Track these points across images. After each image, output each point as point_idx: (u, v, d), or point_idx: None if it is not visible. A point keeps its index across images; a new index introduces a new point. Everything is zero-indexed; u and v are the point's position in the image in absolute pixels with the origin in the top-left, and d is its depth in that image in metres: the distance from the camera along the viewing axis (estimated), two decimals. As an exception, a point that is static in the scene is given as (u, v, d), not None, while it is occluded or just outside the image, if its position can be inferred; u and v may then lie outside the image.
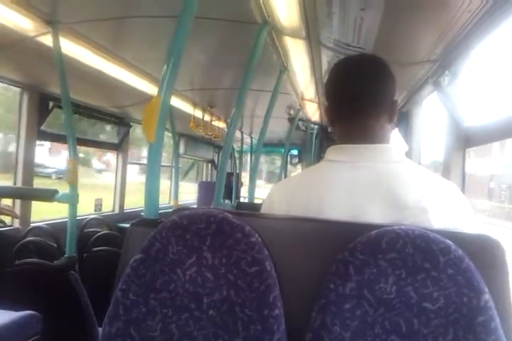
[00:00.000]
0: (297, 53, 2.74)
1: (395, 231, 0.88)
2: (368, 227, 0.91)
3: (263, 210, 1.17)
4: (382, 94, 1.10)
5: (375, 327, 0.85)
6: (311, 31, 2.22)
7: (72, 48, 2.64)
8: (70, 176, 2.57)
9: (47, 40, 2.47)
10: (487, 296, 0.82)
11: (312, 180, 1.10)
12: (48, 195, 2.50)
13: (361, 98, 1.10)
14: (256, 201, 3.58)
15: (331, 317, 0.85)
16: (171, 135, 5.03)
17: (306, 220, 1.01)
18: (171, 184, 5.80)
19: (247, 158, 8.28)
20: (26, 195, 2.90)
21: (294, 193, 1.11)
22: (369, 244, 0.88)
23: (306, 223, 1.00)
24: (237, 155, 7.58)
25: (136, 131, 5.40)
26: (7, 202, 3.04)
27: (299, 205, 1.06)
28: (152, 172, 1.36)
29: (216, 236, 0.95)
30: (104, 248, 3.19)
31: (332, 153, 1.12)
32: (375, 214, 0.98)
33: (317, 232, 0.98)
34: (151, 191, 1.34)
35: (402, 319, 0.84)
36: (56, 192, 2.49)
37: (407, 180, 1.01)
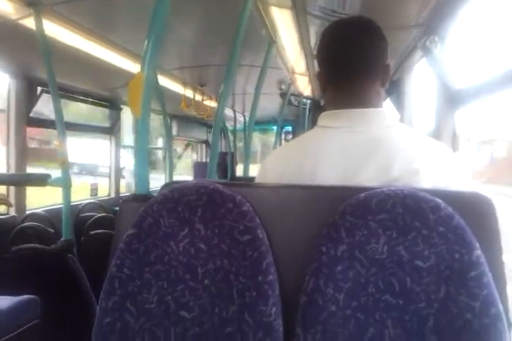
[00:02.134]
0: (285, 25, 2.70)
1: (383, 192, 0.88)
2: (358, 190, 0.91)
3: (257, 180, 1.17)
4: (375, 58, 1.08)
5: (368, 287, 0.86)
6: (297, 0, 2.18)
7: (57, 30, 2.59)
8: (62, 160, 2.56)
9: (30, 23, 2.42)
10: (478, 252, 0.83)
11: (305, 147, 1.10)
12: (41, 180, 2.49)
13: (355, 62, 1.08)
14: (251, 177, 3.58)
15: (324, 279, 0.86)
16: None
17: (296, 187, 1.01)
18: (165, 166, 5.80)
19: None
20: (18, 180, 2.89)
21: (286, 160, 1.10)
22: (358, 206, 0.88)
23: (296, 190, 1.00)
24: (231, 134, 7.54)
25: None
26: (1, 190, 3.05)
27: (292, 172, 1.06)
28: (141, 149, 1.35)
29: (207, 207, 0.95)
30: (101, 231, 3.20)
31: (325, 119, 1.11)
32: (368, 177, 0.98)
33: (307, 198, 0.98)
34: (141, 167, 1.34)
35: (395, 278, 0.85)
36: (48, 176, 2.48)
37: (400, 144, 1.01)
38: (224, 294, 0.92)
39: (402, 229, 0.85)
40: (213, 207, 0.95)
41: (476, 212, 0.89)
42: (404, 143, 1.02)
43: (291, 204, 0.98)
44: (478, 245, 0.83)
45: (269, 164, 1.17)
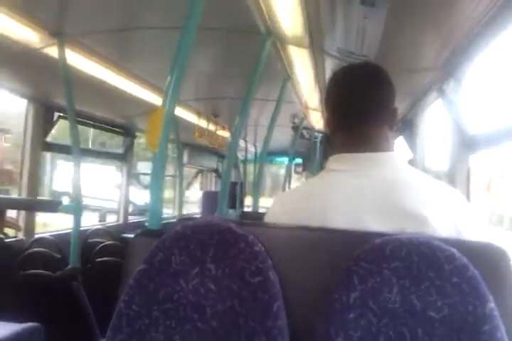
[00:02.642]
0: (301, 62, 2.75)
1: (399, 239, 0.87)
2: (371, 235, 0.90)
3: (267, 219, 1.16)
4: (382, 103, 1.10)
5: (380, 337, 0.84)
6: (315, 40, 2.23)
7: (78, 60, 2.67)
8: (75, 186, 2.58)
9: (52, 51, 2.49)
10: (492, 305, 0.81)
11: (314, 191, 1.09)
12: (52, 206, 2.50)
13: (363, 107, 1.09)
14: (260, 210, 3.57)
15: (334, 327, 0.84)
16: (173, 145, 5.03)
17: (310, 229, 1.00)
18: (175, 194, 5.80)
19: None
20: (30, 206, 2.91)
21: (296, 204, 1.10)
22: (373, 252, 0.87)
23: (309, 232, 0.99)
24: (241, 164, 7.57)
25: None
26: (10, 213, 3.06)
27: (301, 216, 1.05)
28: (155, 182, 1.36)
29: (219, 247, 0.94)
30: (108, 258, 3.18)
31: (334, 162, 1.11)
32: (378, 223, 0.97)
33: (321, 241, 0.97)
34: (155, 201, 1.34)
35: (406, 328, 0.83)
36: (60, 203, 2.49)
37: (410, 188, 1.01)
38: (232, 337, 0.90)
39: (416, 278, 0.83)
40: (225, 246, 0.94)
41: (489, 262, 0.88)
42: (414, 188, 1.01)
43: (303, 246, 0.97)
44: (491, 297, 0.82)
45: (279, 204, 1.17)
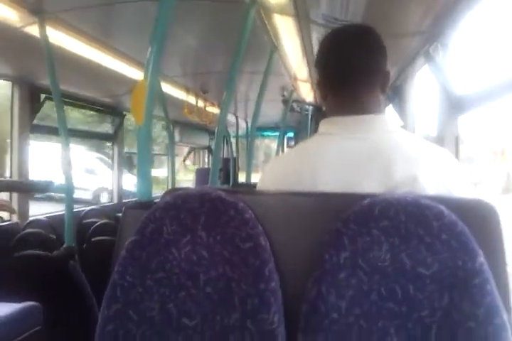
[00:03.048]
0: (287, 32, 2.71)
1: (386, 199, 0.87)
2: (360, 197, 0.91)
3: (258, 188, 1.17)
4: (374, 64, 1.08)
5: (371, 295, 0.85)
6: (300, 7, 2.19)
7: (60, 38, 2.61)
8: (65, 167, 2.56)
9: (34, 30, 2.44)
10: (482, 259, 0.82)
11: (304, 155, 1.09)
12: (44, 187, 2.49)
13: (354, 69, 1.08)
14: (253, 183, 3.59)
15: (326, 286, 0.85)
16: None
17: (299, 194, 1.00)
18: (167, 172, 5.80)
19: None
20: (22, 187, 2.90)
21: (286, 169, 1.10)
22: (361, 213, 0.87)
23: (298, 197, 0.99)
24: (233, 140, 7.56)
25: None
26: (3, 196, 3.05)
27: (291, 180, 1.05)
28: (143, 156, 1.35)
29: (210, 214, 0.95)
30: (103, 237, 3.19)
31: (325, 125, 1.11)
32: (368, 184, 0.98)
33: (310, 205, 0.97)
34: (143, 174, 1.34)
35: (398, 285, 0.84)
36: (52, 183, 2.48)
37: (400, 150, 1.01)
38: (226, 302, 0.91)
39: (405, 236, 0.84)
40: (216, 214, 0.95)
41: (479, 218, 0.89)
42: (404, 150, 1.01)
43: (293, 212, 0.98)
44: (481, 252, 0.83)
45: (269, 172, 1.17)
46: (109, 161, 2.52)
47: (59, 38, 2.59)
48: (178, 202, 0.97)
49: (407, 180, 0.96)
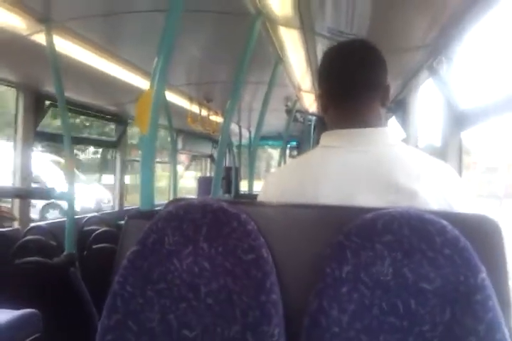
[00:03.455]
0: (292, 43, 2.73)
1: (390, 213, 0.87)
2: (363, 211, 0.90)
3: (259, 199, 1.17)
4: (374, 79, 1.09)
5: (373, 309, 0.85)
6: (305, 20, 2.21)
7: (67, 46, 2.64)
8: (67, 175, 2.57)
9: (40, 38, 2.46)
10: (484, 275, 0.82)
11: (306, 167, 1.10)
12: (46, 194, 2.50)
13: (356, 83, 1.09)
14: (255, 193, 3.58)
15: (328, 300, 0.85)
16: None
17: (301, 206, 1.00)
18: (170, 180, 5.80)
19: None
20: (24, 194, 2.90)
21: (288, 181, 1.10)
22: (364, 227, 0.87)
23: (301, 209, 0.99)
24: (236, 149, 7.56)
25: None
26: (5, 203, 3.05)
27: (293, 192, 1.05)
28: (146, 165, 1.36)
29: (212, 226, 0.95)
30: (104, 245, 3.18)
31: (326, 138, 1.11)
32: (369, 198, 0.98)
33: (312, 218, 0.97)
34: (146, 184, 1.34)
35: (399, 300, 0.84)
36: (53, 190, 2.49)
37: (401, 163, 1.01)
38: (227, 314, 0.91)
39: (408, 250, 0.84)
40: (218, 225, 0.94)
41: (482, 234, 0.88)
42: (405, 163, 1.01)
43: (296, 224, 0.98)
44: (483, 268, 0.83)
45: (271, 183, 1.17)
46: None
47: (65, 46, 2.62)
48: (181, 212, 0.97)
49: (408, 193, 0.96)
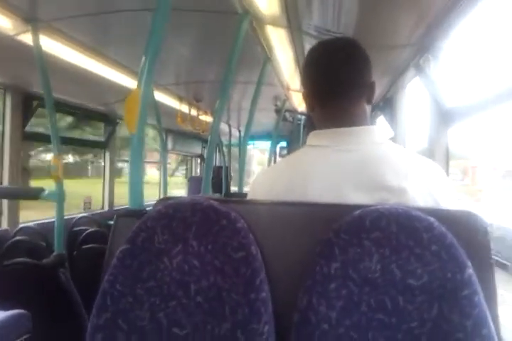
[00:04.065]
0: (280, 43, 2.74)
1: (378, 210, 0.88)
2: (351, 208, 0.91)
3: (249, 197, 1.17)
4: (360, 76, 1.10)
5: (361, 306, 0.85)
6: (292, 19, 2.21)
7: (54, 46, 2.62)
8: (56, 174, 2.55)
9: (27, 38, 2.44)
10: (470, 270, 0.83)
11: (294, 166, 1.10)
12: (34, 194, 2.48)
13: (339, 81, 1.09)
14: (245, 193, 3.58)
15: (316, 297, 0.85)
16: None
17: (290, 204, 1.01)
18: (159, 180, 5.79)
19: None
20: (12, 194, 2.88)
21: (276, 180, 1.10)
22: (353, 224, 0.88)
23: (290, 207, 1.00)
24: (226, 149, 7.56)
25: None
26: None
27: (281, 191, 1.05)
28: (135, 164, 1.36)
29: (202, 224, 0.95)
30: (94, 245, 3.17)
31: (313, 138, 1.12)
32: (358, 196, 0.98)
33: (301, 215, 0.98)
34: (135, 182, 1.34)
35: (387, 297, 0.85)
36: (42, 190, 2.47)
37: (389, 161, 1.01)
38: (216, 311, 0.91)
39: (396, 247, 0.85)
40: (208, 223, 0.95)
41: (468, 230, 0.89)
42: (393, 162, 1.02)
43: (285, 221, 0.98)
44: (469, 263, 0.84)
45: (260, 182, 1.17)
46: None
47: (52, 46, 2.60)
48: (170, 211, 0.97)
49: (396, 191, 0.97)
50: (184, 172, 8.95)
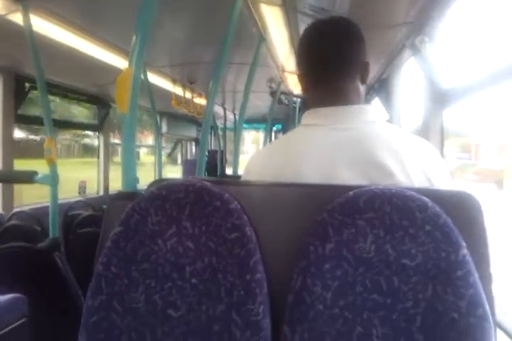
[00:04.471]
0: (275, 22, 2.70)
1: (372, 190, 0.88)
2: (345, 188, 0.91)
3: (243, 178, 1.17)
4: (354, 55, 1.09)
5: (356, 286, 0.86)
6: (287, -3, 2.18)
7: (44, 26, 2.57)
8: (49, 157, 2.53)
9: (17, 18, 2.39)
10: (465, 251, 0.83)
11: (288, 146, 1.10)
12: (27, 177, 2.46)
13: (334, 60, 1.09)
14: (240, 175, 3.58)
15: (311, 278, 0.86)
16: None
17: (284, 185, 1.00)
18: (154, 163, 5.77)
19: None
20: (4, 177, 2.86)
21: (270, 160, 1.10)
22: (347, 204, 0.88)
23: (284, 188, 1.00)
24: (221, 132, 7.53)
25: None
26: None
27: (275, 171, 1.06)
28: (127, 145, 1.34)
29: (195, 205, 0.94)
30: (89, 229, 3.17)
31: (307, 117, 1.11)
32: (351, 175, 0.98)
33: (296, 196, 0.97)
34: (128, 164, 1.33)
35: (382, 277, 0.85)
36: (35, 173, 2.45)
37: (382, 140, 1.01)
38: (211, 293, 0.91)
39: (390, 227, 0.85)
40: (201, 204, 0.94)
41: (462, 210, 0.89)
42: (386, 141, 1.02)
43: (279, 202, 0.98)
44: (464, 244, 0.84)
45: (254, 163, 1.17)
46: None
47: (43, 26, 2.55)
48: (163, 192, 0.96)
49: (389, 170, 0.97)
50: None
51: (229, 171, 6.55)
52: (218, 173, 6.41)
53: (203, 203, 0.94)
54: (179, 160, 8.90)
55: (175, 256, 0.94)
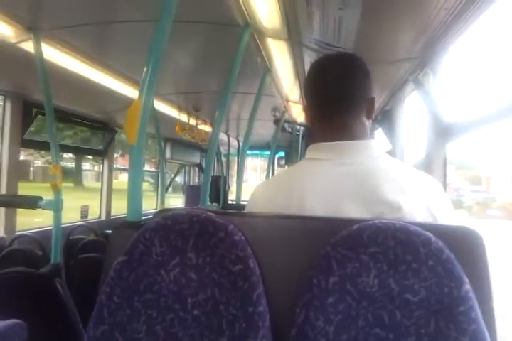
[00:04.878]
0: (280, 55, 2.76)
1: (376, 225, 0.88)
2: (349, 222, 0.91)
3: (247, 209, 1.17)
4: (358, 91, 1.11)
5: (359, 321, 0.85)
6: (293, 32, 2.23)
7: (55, 54, 2.63)
8: (54, 182, 2.54)
9: (29, 46, 2.45)
10: (467, 286, 0.83)
11: (293, 179, 1.10)
12: (32, 202, 2.47)
13: (339, 96, 1.10)
14: (243, 203, 3.58)
15: (314, 312, 0.85)
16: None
17: (289, 217, 1.01)
18: (157, 189, 5.78)
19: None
20: (9, 202, 2.87)
21: (275, 192, 1.10)
22: (350, 238, 0.88)
23: (288, 220, 1.00)
24: (224, 158, 7.56)
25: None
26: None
27: (280, 204, 1.06)
28: (134, 174, 1.36)
29: (199, 236, 0.95)
30: (91, 255, 3.15)
31: (312, 151, 1.12)
32: (355, 210, 0.98)
33: (299, 229, 0.98)
34: (134, 193, 1.34)
35: (385, 311, 0.85)
36: (40, 198, 2.46)
37: (387, 176, 1.02)
38: (213, 325, 0.91)
39: (393, 262, 0.85)
40: (205, 236, 0.95)
41: (465, 246, 0.90)
42: (390, 176, 1.02)
43: (283, 235, 0.98)
44: (467, 279, 0.84)
45: (258, 194, 1.18)
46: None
47: (54, 54, 2.61)
48: (168, 223, 0.97)
49: (394, 205, 0.97)
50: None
51: (231, 197, 6.56)
52: (221, 200, 6.41)
53: (208, 234, 0.95)
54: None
55: (178, 286, 0.94)
